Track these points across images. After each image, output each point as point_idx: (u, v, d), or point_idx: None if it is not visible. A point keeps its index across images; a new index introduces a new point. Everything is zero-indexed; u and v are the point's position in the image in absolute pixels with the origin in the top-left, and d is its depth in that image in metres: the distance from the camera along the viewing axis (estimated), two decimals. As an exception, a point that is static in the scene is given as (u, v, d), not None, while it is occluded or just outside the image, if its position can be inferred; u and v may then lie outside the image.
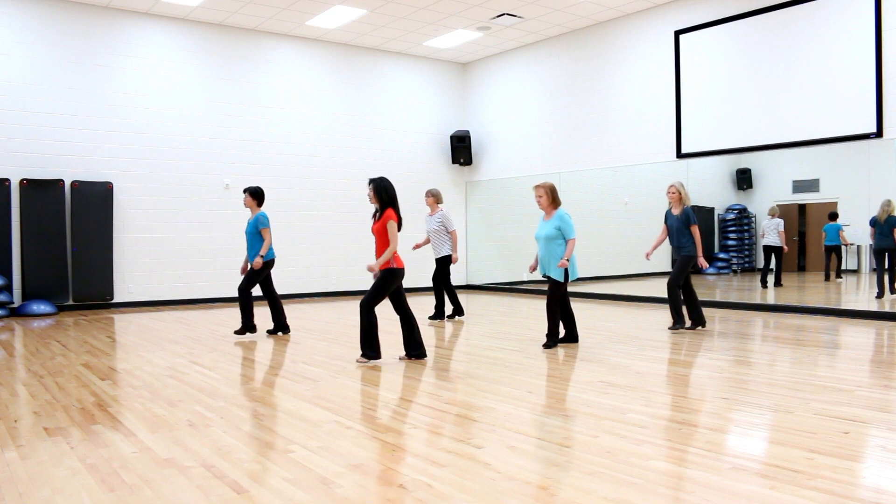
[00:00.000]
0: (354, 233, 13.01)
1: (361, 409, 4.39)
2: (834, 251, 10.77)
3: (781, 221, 11.09)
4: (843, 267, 10.89)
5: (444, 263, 8.93)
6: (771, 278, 11.29)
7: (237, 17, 11.33)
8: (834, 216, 10.62)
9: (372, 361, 5.96)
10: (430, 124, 14.12)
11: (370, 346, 5.92)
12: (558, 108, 12.66)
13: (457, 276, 14.46)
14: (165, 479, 3.14)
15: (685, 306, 7.65)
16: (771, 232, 11.12)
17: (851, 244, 10.66)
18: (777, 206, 11.26)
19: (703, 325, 7.66)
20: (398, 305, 6.02)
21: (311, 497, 2.90)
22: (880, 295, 9.50)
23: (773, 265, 11.25)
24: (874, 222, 9.49)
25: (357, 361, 5.98)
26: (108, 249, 10.63)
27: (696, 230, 7.55)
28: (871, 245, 9.68)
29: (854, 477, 3.05)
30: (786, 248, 11.11)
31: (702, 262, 7.56)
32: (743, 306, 9.93)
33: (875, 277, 9.69)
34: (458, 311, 9.19)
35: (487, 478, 3.09)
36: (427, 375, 5.46)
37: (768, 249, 11.16)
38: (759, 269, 11.81)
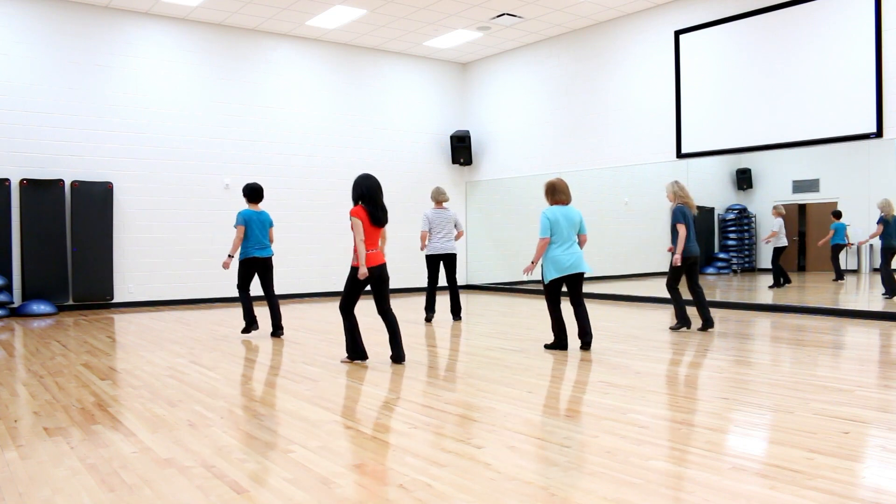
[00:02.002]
0: (354, 233, 13.01)
1: (361, 409, 4.39)
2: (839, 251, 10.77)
3: (781, 221, 11.08)
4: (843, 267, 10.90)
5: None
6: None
7: (237, 17, 11.33)
8: (838, 215, 10.61)
9: (356, 361, 5.99)
10: (430, 124, 14.12)
11: (351, 348, 5.95)
12: (558, 108, 12.66)
13: (457, 277, 14.45)
14: (165, 479, 3.14)
15: (695, 307, 7.64)
16: (781, 232, 11.08)
17: (852, 244, 10.66)
18: (781, 205, 11.23)
19: (711, 326, 7.61)
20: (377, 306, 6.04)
21: (311, 497, 2.90)
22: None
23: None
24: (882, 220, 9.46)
25: (341, 361, 6.06)
26: (108, 249, 10.63)
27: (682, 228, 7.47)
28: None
29: (854, 477, 3.05)
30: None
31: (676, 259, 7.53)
32: (743, 306, 9.93)
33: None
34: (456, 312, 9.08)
35: (487, 478, 3.09)
36: (427, 375, 5.46)
37: (779, 250, 11.15)
38: (761, 270, 11.81)
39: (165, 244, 11.25)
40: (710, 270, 12.56)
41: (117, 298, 10.86)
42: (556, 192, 6.52)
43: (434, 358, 6.26)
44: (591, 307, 10.48)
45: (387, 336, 6.73)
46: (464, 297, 12.63)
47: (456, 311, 9.00)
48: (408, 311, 10.16)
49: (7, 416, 4.33)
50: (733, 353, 6.27)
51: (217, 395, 4.84)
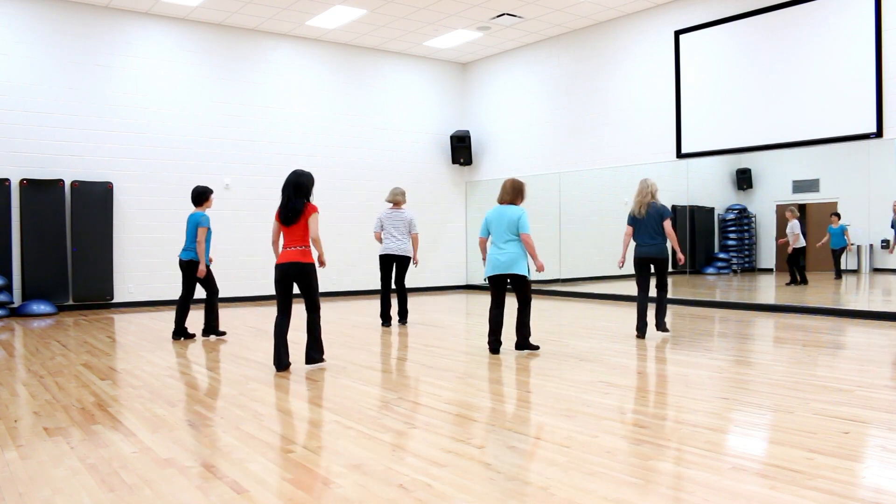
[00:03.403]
0: (354, 233, 13.01)
1: (361, 409, 4.39)
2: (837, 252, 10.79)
3: (794, 223, 11.04)
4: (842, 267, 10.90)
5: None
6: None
7: (237, 17, 11.33)
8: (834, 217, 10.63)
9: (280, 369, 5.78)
10: (430, 124, 14.12)
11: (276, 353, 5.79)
12: (558, 108, 12.66)
13: (457, 277, 14.48)
14: (165, 479, 3.14)
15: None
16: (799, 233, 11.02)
17: (853, 245, 10.66)
18: (794, 206, 11.18)
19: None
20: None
21: (311, 497, 2.90)
22: None
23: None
24: None
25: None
26: (108, 249, 10.63)
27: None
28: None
29: (854, 477, 3.05)
30: (786, 247, 11.09)
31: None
32: (743, 306, 9.93)
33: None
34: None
35: (487, 478, 3.09)
36: (427, 375, 5.46)
37: (798, 251, 11.10)
38: (761, 270, 11.81)
39: (165, 244, 11.24)
40: (710, 270, 12.56)
41: (117, 298, 10.86)
42: (500, 192, 6.44)
43: (434, 358, 6.26)
44: (592, 307, 10.47)
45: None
46: (463, 297, 12.63)
47: (402, 314, 8.55)
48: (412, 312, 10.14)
49: (7, 416, 4.33)
50: (733, 353, 6.27)
51: (217, 395, 4.84)
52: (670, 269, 7.51)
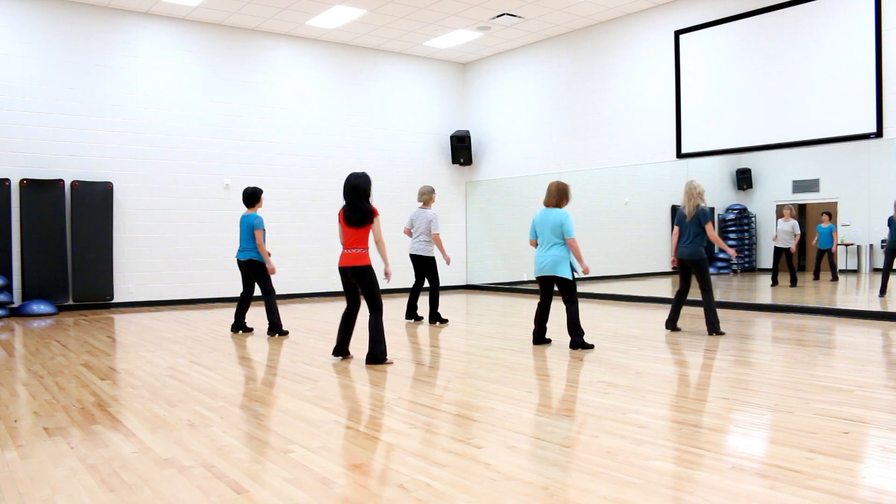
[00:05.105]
0: (354, 233, 13.01)
1: (361, 409, 4.39)
2: (827, 252, 10.84)
3: (796, 223, 11.04)
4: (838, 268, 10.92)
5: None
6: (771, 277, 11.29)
7: (237, 17, 11.33)
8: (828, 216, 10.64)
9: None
10: (430, 124, 14.12)
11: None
12: (558, 108, 12.66)
13: (457, 277, 14.48)
14: (165, 479, 3.14)
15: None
16: (788, 234, 11.02)
17: (851, 244, 10.67)
18: (791, 206, 11.18)
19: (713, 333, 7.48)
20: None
21: (311, 497, 2.90)
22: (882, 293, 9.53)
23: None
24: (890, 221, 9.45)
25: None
26: (108, 249, 10.63)
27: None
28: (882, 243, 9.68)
29: (854, 477, 3.05)
30: (792, 249, 11.07)
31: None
32: (743, 306, 9.93)
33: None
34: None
35: (487, 478, 3.09)
36: (427, 375, 5.47)
37: (780, 251, 11.13)
38: (761, 270, 11.82)
39: (165, 244, 11.25)
40: (711, 271, 12.57)
41: (117, 298, 10.86)
42: (545, 195, 6.71)
43: (434, 358, 6.26)
44: (592, 307, 10.47)
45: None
46: (463, 297, 12.63)
47: (432, 315, 8.66)
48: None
49: (7, 416, 4.33)
50: (733, 353, 6.27)
51: (217, 395, 4.84)
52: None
